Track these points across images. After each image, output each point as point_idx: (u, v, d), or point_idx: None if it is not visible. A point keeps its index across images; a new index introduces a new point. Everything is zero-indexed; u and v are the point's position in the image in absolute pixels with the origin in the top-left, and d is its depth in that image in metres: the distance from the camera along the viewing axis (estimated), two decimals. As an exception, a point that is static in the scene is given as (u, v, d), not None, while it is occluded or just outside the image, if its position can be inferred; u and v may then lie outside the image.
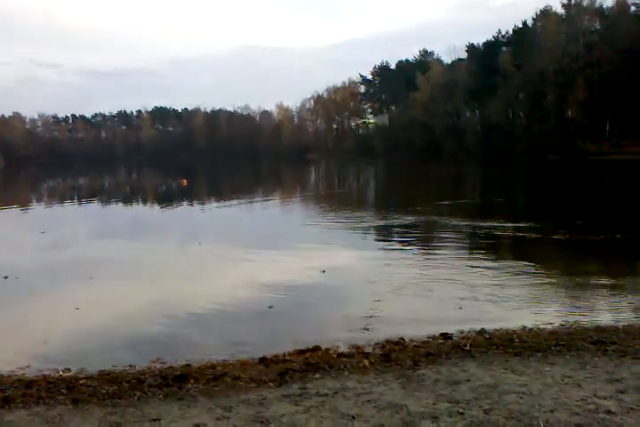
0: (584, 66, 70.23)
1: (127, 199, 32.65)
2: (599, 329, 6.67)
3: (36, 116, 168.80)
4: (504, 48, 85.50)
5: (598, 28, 74.39)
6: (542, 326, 6.94)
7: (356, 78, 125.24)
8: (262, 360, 6.04)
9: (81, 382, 5.57)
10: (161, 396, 5.04)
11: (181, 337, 7.30)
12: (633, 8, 74.08)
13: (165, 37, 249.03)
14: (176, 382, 5.44)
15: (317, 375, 5.38)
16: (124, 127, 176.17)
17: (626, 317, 7.41)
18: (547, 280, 9.61)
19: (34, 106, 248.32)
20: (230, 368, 5.82)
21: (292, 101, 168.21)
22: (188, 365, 6.08)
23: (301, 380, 5.25)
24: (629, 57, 64.89)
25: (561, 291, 9.02)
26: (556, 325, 7.03)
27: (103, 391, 5.20)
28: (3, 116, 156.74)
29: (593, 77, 68.85)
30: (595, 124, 69.51)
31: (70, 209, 27.48)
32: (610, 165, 51.39)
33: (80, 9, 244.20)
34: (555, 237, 13.71)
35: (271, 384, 5.20)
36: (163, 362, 6.28)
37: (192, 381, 5.45)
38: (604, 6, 74.17)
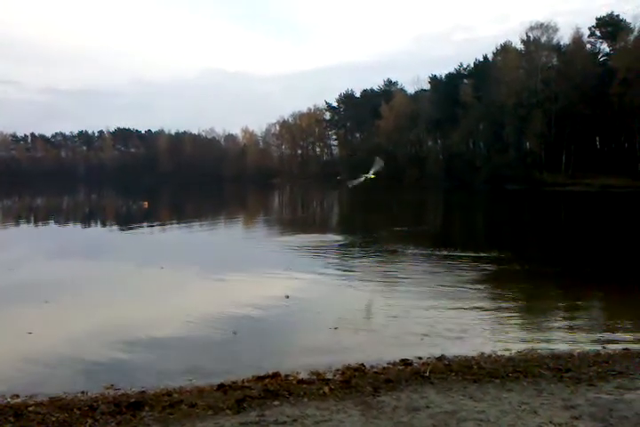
0: (542, 100, 72.91)
1: (86, 221, 31.93)
2: (555, 356, 6.79)
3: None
4: (465, 80, 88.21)
5: (556, 63, 77.57)
6: (500, 353, 7.03)
7: (322, 105, 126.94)
8: (220, 387, 5.92)
9: (30, 409, 5.35)
10: (113, 424, 4.88)
11: (138, 363, 7.10)
12: (588, 45, 77.76)
13: (130, 58, 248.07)
14: (130, 409, 5.28)
15: (276, 402, 5.30)
16: (84, 147, 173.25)
17: (580, 345, 7.56)
18: (505, 308, 9.75)
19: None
20: (187, 395, 5.69)
21: (258, 126, 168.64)
22: (143, 391, 5.92)
23: (260, 407, 5.16)
24: (584, 92, 67.68)
25: (518, 319, 9.16)
26: (514, 352, 7.13)
27: (53, 419, 5.01)
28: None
29: (550, 111, 71.46)
30: (551, 156, 71.81)
31: (26, 230, 26.68)
32: (565, 195, 53.05)
33: (42, 26, 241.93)
34: (513, 267, 13.96)
35: (228, 412, 5.09)
36: (117, 389, 6.09)
37: (147, 408, 5.30)
38: (561, 43, 77.66)
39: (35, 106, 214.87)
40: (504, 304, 10.04)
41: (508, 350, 7.21)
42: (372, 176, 14.52)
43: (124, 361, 7.20)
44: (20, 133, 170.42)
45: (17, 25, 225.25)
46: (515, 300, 10.52)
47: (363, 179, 14.02)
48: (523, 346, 7.42)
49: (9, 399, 5.76)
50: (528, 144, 76.56)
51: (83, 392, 5.96)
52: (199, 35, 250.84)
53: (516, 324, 8.82)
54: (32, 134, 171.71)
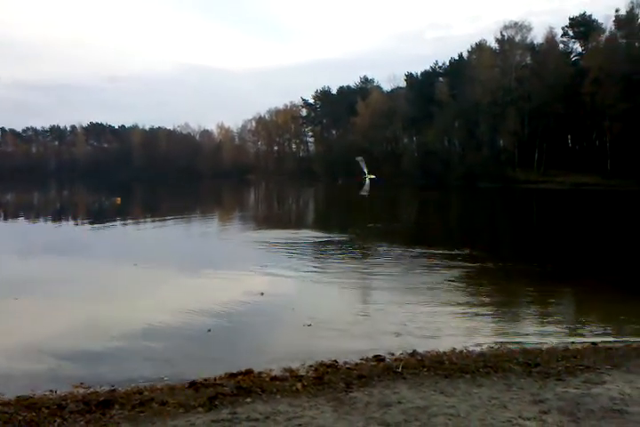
0: (516, 98, 73.84)
1: (57, 217, 31.38)
2: (525, 351, 6.90)
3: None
4: (441, 78, 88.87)
5: (529, 62, 78.62)
6: (471, 349, 7.12)
7: (298, 102, 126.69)
8: (192, 385, 5.87)
9: (-4, 408, 5.24)
10: (83, 423, 4.81)
11: (108, 361, 7.01)
12: (561, 45, 78.94)
13: (104, 53, 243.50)
14: (99, 408, 5.21)
15: (249, 400, 5.28)
16: (56, 143, 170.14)
17: (550, 340, 7.69)
18: (477, 305, 9.87)
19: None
20: (158, 393, 5.63)
21: (234, 122, 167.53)
22: (114, 390, 5.85)
23: (232, 404, 5.14)
24: (557, 91, 68.74)
25: (490, 315, 9.28)
26: (485, 347, 7.22)
27: (20, 418, 4.92)
28: None
29: (524, 110, 72.42)
30: (524, 154, 72.84)
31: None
32: (537, 193, 53.90)
33: (14, 19, 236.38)
34: (486, 264, 14.08)
35: (200, 409, 5.05)
36: (86, 387, 6.01)
37: (117, 407, 5.24)
38: (535, 42, 78.69)
39: (5, 101, 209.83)
40: (476, 301, 10.16)
41: (479, 345, 7.30)
42: (372, 176, 14.84)
43: (94, 359, 7.11)
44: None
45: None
46: (487, 296, 10.65)
47: (368, 181, 14.32)
48: (494, 342, 7.53)
49: (-25, 399, 5.64)
50: (502, 142, 77.49)
51: (51, 391, 5.87)
52: (175, 30, 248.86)
53: (487, 320, 8.93)
54: (2, 129, 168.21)
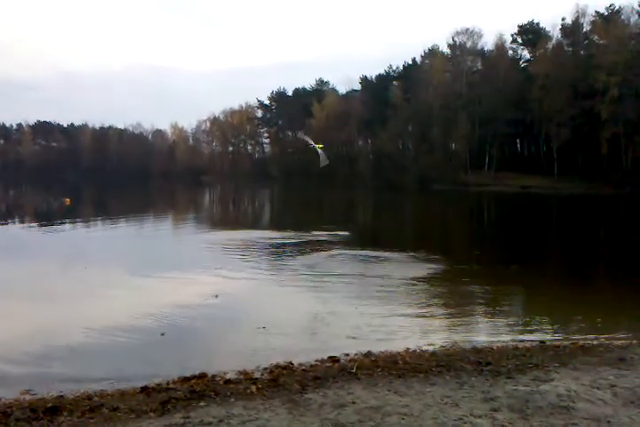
0: (467, 103, 75.52)
1: (2, 218, 30.24)
2: (476, 350, 7.05)
3: None
4: (395, 82, 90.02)
5: (480, 68, 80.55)
6: (425, 348, 7.23)
7: (254, 103, 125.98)
8: (144, 389, 5.77)
9: (-64, 418, 5.01)
10: (29, 431, 4.65)
11: (57, 368, 6.82)
12: (510, 52, 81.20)
13: (52, 49, 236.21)
14: (47, 414, 5.06)
15: (202, 403, 5.22)
16: (1, 141, 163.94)
17: (500, 338, 7.89)
18: (430, 306, 10.03)
19: None
20: (108, 399, 5.51)
21: (188, 123, 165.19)
22: (62, 396, 5.69)
23: (185, 409, 5.07)
24: (507, 97, 70.64)
25: (443, 316, 9.44)
26: (437, 346, 7.35)
27: (-39, 428, 4.72)
28: None
29: (475, 114, 74.11)
30: (476, 158, 74.56)
31: None
32: (487, 195, 55.26)
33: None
34: (439, 266, 14.27)
35: (152, 414, 4.96)
36: (33, 394, 5.83)
37: (65, 413, 5.10)
38: (485, 49, 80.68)
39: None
40: (430, 302, 10.32)
41: (432, 345, 7.43)
42: (321, 145, 14.94)
43: (41, 364, 6.90)
44: None
45: None
46: (440, 298, 10.83)
47: (320, 150, 14.35)
48: (446, 341, 7.67)
49: None
50: (454, 146, 79.10)
51: (-5, 398, 5.65)
52: (130, 28, 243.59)
53: (440, 320, 9.09)
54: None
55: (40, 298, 10.53)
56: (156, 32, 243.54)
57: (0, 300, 10.31)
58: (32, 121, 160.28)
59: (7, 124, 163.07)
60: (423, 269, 13.44)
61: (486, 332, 8.36)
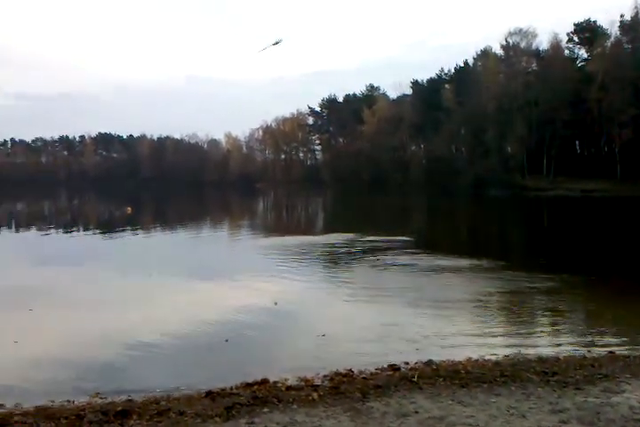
0: (522, 105, 73.67)
1: (69, 227, 31.55)
2: (542, 360, 6.85)
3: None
4: (447, 85, 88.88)
5: (535, 68, 78.54)
6: (487, 358, 7.08)
7: (305, 110, 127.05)
8: (208, 394, 5.88)
9: (16, 418, 5.28)
10: (101, 433, 4.82)
11: (125, 371, 7.06)
12: (567, 51, 78.91)
13: (110, 63, 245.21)
14: (118, 418, 5.23)
15: (265, 409, 5.28)
16: (65, 153, 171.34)
17: (567, 348, 7.64)
18: (491, 314, 9.83)
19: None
20: (175, 403, 5.64)
21: (241, 131, 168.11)
22: (131, 400, 5.86)
23: (249, 414, 5.14)
24: (564, 97, 68.58)
25: (505, 324, 9.24)
26: (501, 356, 7.18)
27: (40, 429, 4.94)
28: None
29: (531, 116, 72.24)
30: (533, 161, 72.52)
31: (7, 236, 26.32)
32: (547, 200, 53.57)
33: (23, 30, 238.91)
34: (499, 273, 13.92)
35: (217, 419, 5.05)
36: (104, 397, 6.03)
37: (135, 417, 5.25)
38: (540, 48, 78.66)
39: (14, 111, 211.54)
40: (491, 310, 10.12)
41: (494, 354, 7.26)
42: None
43: (110, 369, 7.15)
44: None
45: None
46: (501, 305, 10.59)
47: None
48: (510, 351, 7.49)
49: (-5, 409, 5.68)
50: (510, 148, 77.27)
51: (69, 401, 5.89)
52: (183, 42, 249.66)
53: (502, 329, 8.88)
54: (12, 139, 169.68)
55: (107, 304, 10.91)
56: (207, 45, 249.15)
57: (68, 307, 10.73)
58: (94, 133, 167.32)
59: (71, 137, 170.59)
60: (485, 277, 13.16)
61: (551, 341, 8.10)
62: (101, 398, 6.02)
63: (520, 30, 77.68)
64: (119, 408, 5.49)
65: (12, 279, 13.89)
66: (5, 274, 14.67)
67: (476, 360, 6.94)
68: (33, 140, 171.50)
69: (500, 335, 8.49)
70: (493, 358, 7.09)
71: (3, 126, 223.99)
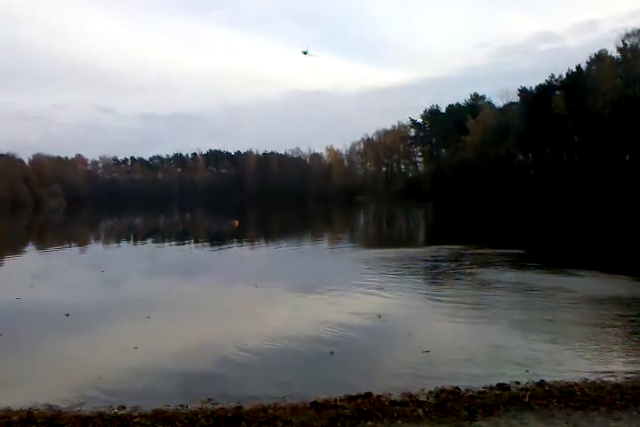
0: (642, 109, 68.71)
1: (181, 239, 33.40)
2: (668, 384, 6.32)
3: (98, 159, 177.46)
4: (557, 92, 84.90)
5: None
6: (605, 379, 6.63)
7: (406, 122, 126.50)
8: (313, 405, 5.98)
9: (135, 420, 5.65)
10: (215, 438, 5.04)
11: (233, 379, 7.32)
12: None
13: (218, 83, 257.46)
14: (228, 424, 5.46)
15: (370, 423, 5.29)
16: (179, 169, 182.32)
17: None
18: (607, 333, 9.17)
19: (96, 148, 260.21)
20: (281, 412, 5.79)
21: (342, 144, 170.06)
22: (240, 407, 6.08)
23: (354, 427, 5.17)
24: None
25: (623, 344, 8.59)
26: (620, 377, 6.70)
27: (157, 431, 5.26)
28: (66, 158, 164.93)
29: (651, 121, 67.21)
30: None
31: (127, 249, 28.31)
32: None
33: (135, 56, 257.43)
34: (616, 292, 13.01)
35: (323, 431, 5.13)
36: (214, 403, 6.30)
37: (244, 424, 5.46)
38: (661, 49, 73.15)
39: (133, 131, 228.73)
40: (608, 329, 9.44)
41: (613, 376, 6.79)
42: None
43: (220, 376, 7.45)
44: (120, 157, 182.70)
45: (111, 55, 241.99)
46: (620, 323, 9.87)
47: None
48: (631, 372, 6.96)
49: (116, 410, 6.11)
50: (628, 156, 72.21)
51: (182, 405, 6.21)
52: (280, 60, 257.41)
53: (621, 349, 8.27)
54: (132, 158, 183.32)
55: (216, 313, 11.43)
56: (303, 61, 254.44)
57: (181, 314, 11.33)
58: (204, 150, 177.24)
59: (184, 154, 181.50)
60: (605, 290, 12.35)
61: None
62: (212, 404, 6.29)
63: (638, 31, 72.84)
64: (229, 414, 5.72)
65: (131, 289, 14.95)
66: (125, 284, 15.81)
67: (593, 382, 6.53)
68: (150, 158, 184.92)
69: (620, 357, 7.88)
70: (612, 379, 6.63)
71: (124, 146, 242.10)
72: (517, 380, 6.66)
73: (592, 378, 6.67)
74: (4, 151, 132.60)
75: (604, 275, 14.80)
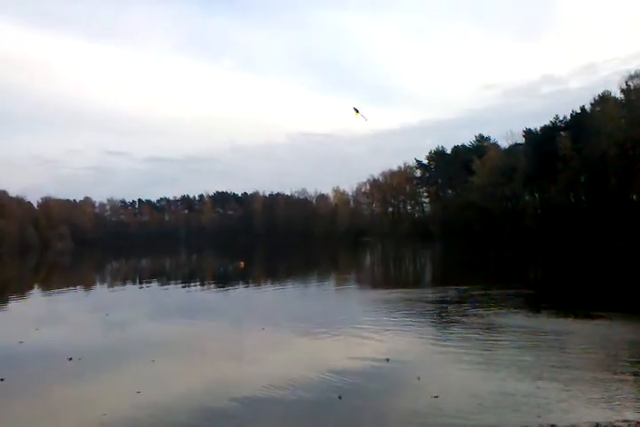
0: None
1: (187, 281, 33.27)
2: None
3: (105, 201, 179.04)
4: (562, 133, 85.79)
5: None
6: (618, 425, 6.46)
7: (412, 163, 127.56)
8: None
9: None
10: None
11: (236, 422, 7.18)
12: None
13: (224, 125, 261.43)
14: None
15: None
16: (186, 211, 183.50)
17: None
18: (620, 376, 8.97)
19: (104, 190, 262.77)
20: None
21: (349, 185, 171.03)
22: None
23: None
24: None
25: (636, 387, 8.39)
26: (633, 422, 6.53)
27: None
28: (74, 200, 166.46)
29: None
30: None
31: (132, 291, 28.21)
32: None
33: (146, 100, 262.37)
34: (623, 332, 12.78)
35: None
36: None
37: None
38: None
39: (141, 173, 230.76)
40: (619, 372, 9.23)
41: (626, 421, 6.62)
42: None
43: (221, 418, 7.31)
44: (128, 199, 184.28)
45: (123, 100, 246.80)
46: (630, 370, 9.61)
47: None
48: (644, 418, 6.77)
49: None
50: (634, 197, 72.22)
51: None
52: (286, 102, 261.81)
53: (634, 397, 8.02)
54: (139, 200, 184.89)
55: (222, 357, 11.31)
56: (310, 104, 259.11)
57: (187, 358, 11.21)
58: (211, 192, 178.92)
59: (191, 196, 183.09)
60: (616, 333, 12.13)
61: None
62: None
63: (641, 73, 74.05)
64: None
65: (135, 332, 14.83)
66: (129, 327, 15.67)
67: (605, 426, 6.35)
68: (158, 200, 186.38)
69: (633, 404, 7.68)
70: (625, 425, 6.44)
71: (132, 188, 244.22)
72: (528, 425, 6.49)
73: (603, 422, 6.49)
74: (14, 194, 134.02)
75: (615, 317, 14.56)
